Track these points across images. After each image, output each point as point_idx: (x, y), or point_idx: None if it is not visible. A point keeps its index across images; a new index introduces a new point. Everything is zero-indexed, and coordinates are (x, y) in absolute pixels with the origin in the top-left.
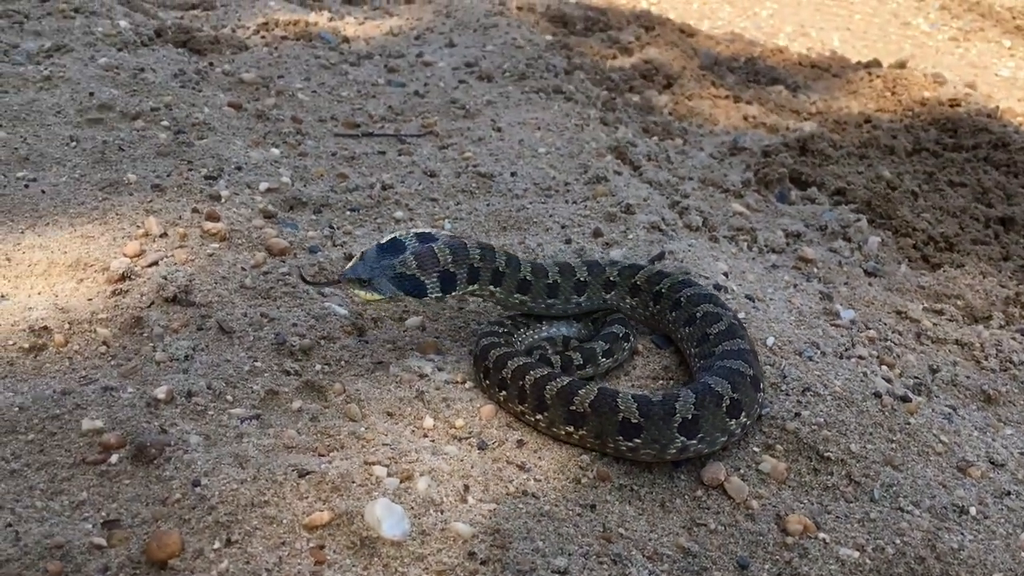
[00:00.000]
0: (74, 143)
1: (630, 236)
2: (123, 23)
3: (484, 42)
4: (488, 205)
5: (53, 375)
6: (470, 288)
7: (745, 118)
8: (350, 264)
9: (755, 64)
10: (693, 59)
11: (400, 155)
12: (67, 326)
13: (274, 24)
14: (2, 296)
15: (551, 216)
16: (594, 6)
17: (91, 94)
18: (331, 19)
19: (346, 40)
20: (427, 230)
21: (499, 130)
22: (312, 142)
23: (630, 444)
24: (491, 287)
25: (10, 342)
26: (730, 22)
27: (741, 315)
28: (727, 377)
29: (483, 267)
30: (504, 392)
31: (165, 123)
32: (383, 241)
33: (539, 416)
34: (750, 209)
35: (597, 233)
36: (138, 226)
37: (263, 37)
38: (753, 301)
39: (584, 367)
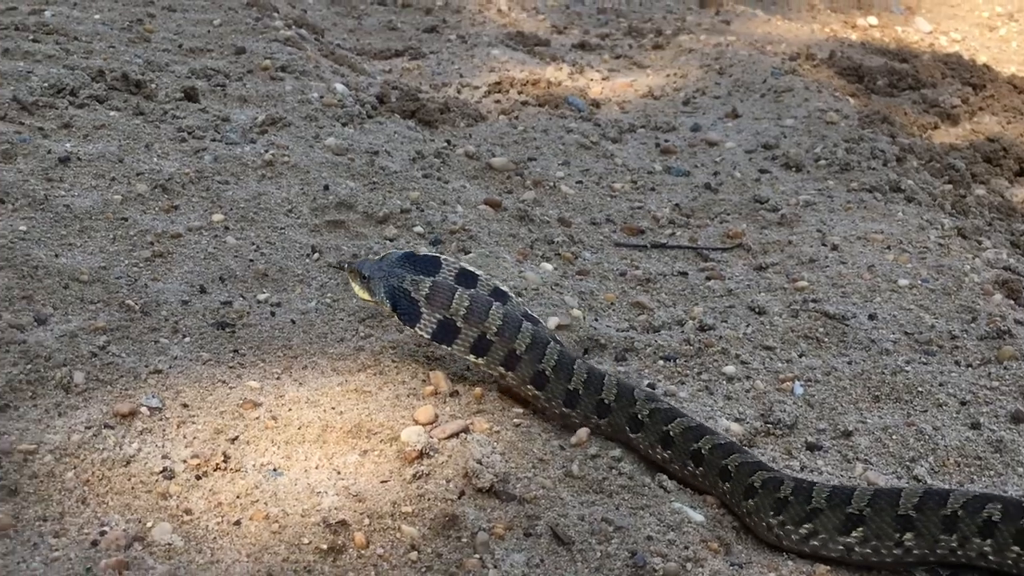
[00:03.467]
0: (317, 255)
1: None
2: (339, 87)
3: (779, 113)
4: (849, 364)
5: None
6: (473, 359)
7: None
8: (369, 258)
9: None
10: None
11: (708, 279)
12: (366, 521)
13: (508, 84)
14: (275, 470)
15: (942, 385)
16: (888, 49)
17: (326, 187)
18: (571, 74)
19: (596, 105)
20: (475, 271)
21: (834, 248)
22: (590, 254)
23: None
24: (501, 369)
25: (304, 540)
26: None
27: None
28: None
29: (497, 343)
30: None
31: (419, 228)
32: (421, 253)
33: None
34: None
35: (1017, 418)
36: (423, 380)
37: (498, 102)
38: None
39: None
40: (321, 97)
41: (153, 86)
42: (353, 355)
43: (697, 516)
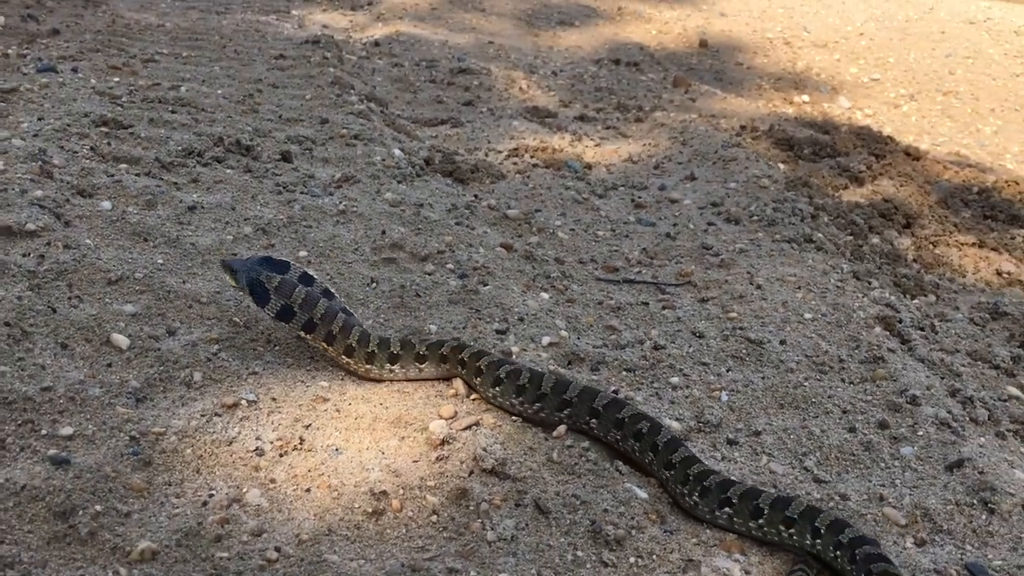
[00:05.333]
0: (374, 284)
1: (919, 433)
2: (397, 151)
3: (725, 177)
4: (764, 378)
5: (394, 542)
6: (303, 334)
7: (999, 273)
8: (238, 257)
9: (990, 197)
10: (929, 193)
11: (663, 308)
12: (401, 491)
13: (523, 150)
14: (337, 450)
15: (830, 397)
16: (815, 123)
17: (383, 232)
18: (571, 142)
19: (589, 167)
20: (311, 274)
21: (759, 287)
22: (577, 287)
23: None
24: (324, 344)
25: (356, 505)
26: (951, 139)
27: None
28: None
29: (320, 325)
30: None
31: (450, 266)
32: (276, 258)
33: None
34: None
35: (883, 425)
36: (447, 385)
37: (515, 164)
38: None
39: None
40: (383, 160)
41: (259, 149)
42: None
43: (642, 493)
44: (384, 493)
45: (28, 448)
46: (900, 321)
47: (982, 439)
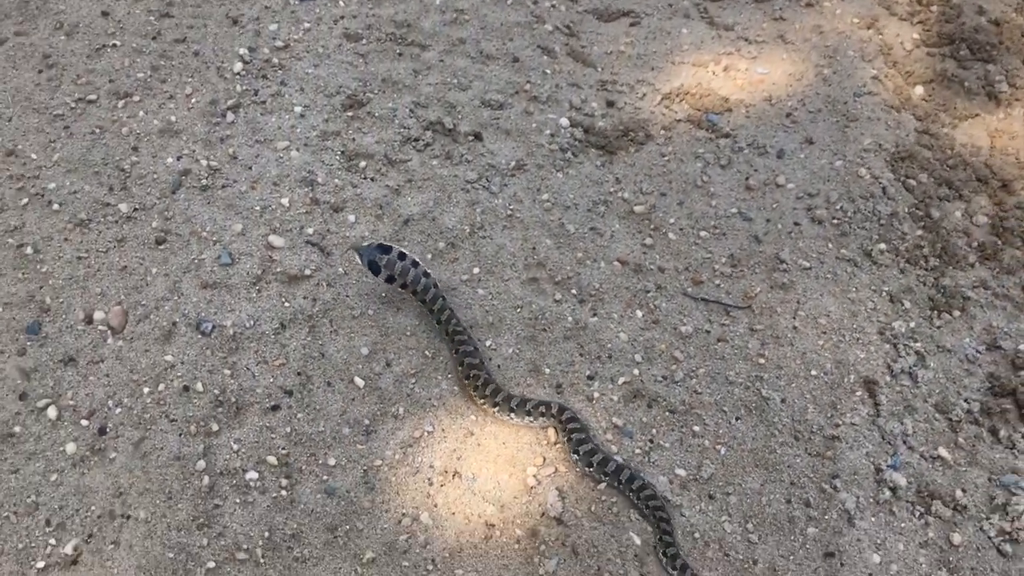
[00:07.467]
0: (519, 309)
1: (827, 516)
2: (564, 120)
3: (838, 148)
4: (754, 438)
5: (492, 559)
6: (401, 289)
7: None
8: (363, 243)
9: None
10: None
11: (718, 340)
12: (502, 524)
13: (675, 94)
14: (474, 478)
15: (789, 467)
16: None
17: (533, 248)
18: (727, 61)
19: (729, 110)
20: (404, 251)
21: (795, 329)
22: (665, 304)
23: None
24: (411, 293)
25: (477, 531)
26: None
27: None
28: None
29: (409, 284)
30: None
31: (574, 291)
32: (384, 242)
33: None
34: (954, 449)
35: (807, 503)
36: (545, 429)
37: (664, 115)
38: None
39: None
40: (552, 135)
41: (458, 129)
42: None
43: (637, 540)
44: (492, 524)
45: (312, 473)
46: (892, 372)
47: (873, 519)
